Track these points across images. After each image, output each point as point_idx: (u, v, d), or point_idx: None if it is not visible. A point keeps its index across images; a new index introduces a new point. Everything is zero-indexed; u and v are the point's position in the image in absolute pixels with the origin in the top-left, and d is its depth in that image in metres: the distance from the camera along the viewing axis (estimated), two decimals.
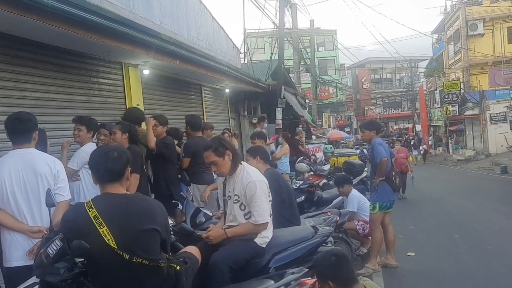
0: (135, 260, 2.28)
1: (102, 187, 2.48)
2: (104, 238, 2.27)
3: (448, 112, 30.50)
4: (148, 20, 7.14)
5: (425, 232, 7.65)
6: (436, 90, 36.28)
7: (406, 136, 37.65)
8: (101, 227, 2.29)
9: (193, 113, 9.39)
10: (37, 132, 3.35)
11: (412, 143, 34.12)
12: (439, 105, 34.56)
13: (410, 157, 15.00)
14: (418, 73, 46.47)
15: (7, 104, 4.46)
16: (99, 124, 4.93)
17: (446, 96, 28.83)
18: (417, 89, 41.04)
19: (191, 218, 4.47)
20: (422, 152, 29.99)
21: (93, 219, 2.31)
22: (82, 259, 2.42)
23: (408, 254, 6.47)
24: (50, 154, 3.57)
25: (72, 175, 4.45)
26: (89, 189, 4.47)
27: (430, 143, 35.64)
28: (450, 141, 33.53)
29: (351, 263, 2.98)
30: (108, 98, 6.42)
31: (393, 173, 5.80)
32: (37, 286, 2.39)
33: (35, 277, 2.46)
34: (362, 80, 48.54)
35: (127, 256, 2.27)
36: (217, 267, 3.12)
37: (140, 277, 2.36)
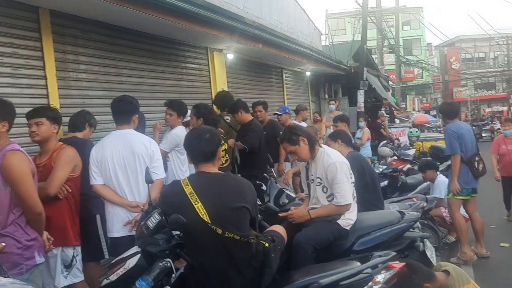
0: (227, 235, 2.42)
1: (196, 166, 2.65)
2: (199, 213, 2.43)
3: None
4: (232, 5, 7.29)
5: None
6: None
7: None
8: (196, 203, 2.45)
9: (273, 96, 9.59)
10: (137, 116, 3.63)
11: None
12: None
13: None
14: None
15: (107, 89, 4.88)
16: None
17: None
18: None
19: (274, 199, 4.58)
20: None
21: (188, 196, 2.48)
22: (179, 232, 2.60)
23: (501, 245, 6.06)
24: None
25: (164, 156, 4.74)
26: (176, 169, 4.74)
27: None
28: None
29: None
30: (195, 82, 6.71)
31: (477, 158, 5.36)
32: (139, 255, 2.61)
33: (136, 246, 2.70)
34: (451, 60, 45.39)
35: (219, 231, 2.41)
36: (300, 247, 3.18)
37: (231, 252, 2.50)
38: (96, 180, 3.45)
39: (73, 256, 3.36)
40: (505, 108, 40.99)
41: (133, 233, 3.33)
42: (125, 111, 3.53)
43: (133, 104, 3.58)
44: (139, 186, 3.47)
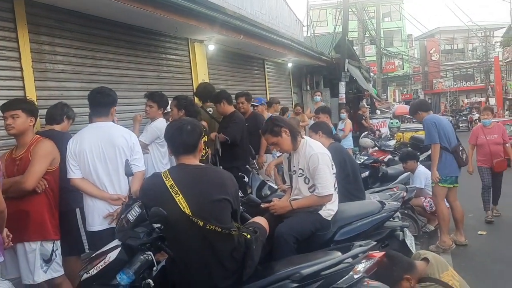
0: (208, 227, 2.40)
1: (177, 158, 2.63)
2: (180, 206, 2.41)
3: None
4: None
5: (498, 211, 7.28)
6: None
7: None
8: (177, 195, 2.43)
9: (255, 88, 9.57)
10: (115, 108, 3.58)
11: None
12: None
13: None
14: (493, 43, 43.18)
15: (86, 80, 4.79)
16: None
17: None
18: (492, 60, 38.22)
19: (256, 191, 4.58)
20: None
21: (169, 188, 2.45)
22: (160, 225, 2.57)
23: (479, 233, 6.21)
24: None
25: (143, 149, 4.68)
26: (157, 162, 4.69)
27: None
28: None
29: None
30: (176, 73, 6.64)
31: (461, 148, 5.51)
32: (119, 248, 2.59)
33: (117, 240, 2.67)
34: (431, 52, 45.98)
35: (201, 223, 2.39)
36: (282, 238, 3.19)
37: (212, 244, 2.49)
38: (75, 173, 3.39)
39: (53, 251, 3.31)
40: (483, 99, 41.78)
41: (113, 225, 3.30)
42: (103, 103, 3.47)
43: (112, 96, 3.52)
44: (120, 179, 3.43)
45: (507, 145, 6.75)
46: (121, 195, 3.41)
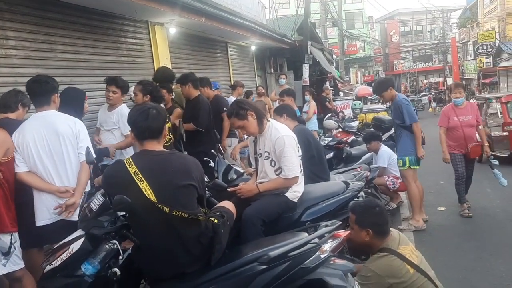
0: (174, 214, 2.37)
1: (141, 144, 2.55)
2: (144, 192, 2.36)
3: (481, 64, 29.34)
4: None
5: None
6: (469, 41, 34.81)
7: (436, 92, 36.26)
8: (141, 182, 2.37)
9: (219, 71, 9.47)
10: (57, 95, 3.45)
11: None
12: (472, 57, 33.26)
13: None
14: (450, 24, 44.44)
15: (41, 66, 4.59)
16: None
17: (480, 47, 27.64)
18: (449, 41, 39.40)
19: (223, 175, 4.56)
20: None
21: (133, 175, 2.39)
22: (124, 213, 2.51)
23: (438, 208, 6.46)
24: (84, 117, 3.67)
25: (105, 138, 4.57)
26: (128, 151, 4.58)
27: None
28: (483, 94, 32.46)
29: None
30: (136, 57, 6.47)
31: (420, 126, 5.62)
32: (83, 238, 2.52)
33: (80, 230, 2.60)
34: (391, 33, 46.88)
35: (167, 210, 2.35)
36: (250, 221, 3.19)
37: (178, 230, 2.45)
38: (19, 167, 3.25)
39: (11, 243, 3.17)
40: (441, 79, 43.16)
41: (63, 217, 3.26)
42: (41, 92, 3.33)
43: (50, 83, 3.38)
44: (67, 170, 3.33)
45: (480, 127, 6.10)
46: (69, 187, 3.31)
